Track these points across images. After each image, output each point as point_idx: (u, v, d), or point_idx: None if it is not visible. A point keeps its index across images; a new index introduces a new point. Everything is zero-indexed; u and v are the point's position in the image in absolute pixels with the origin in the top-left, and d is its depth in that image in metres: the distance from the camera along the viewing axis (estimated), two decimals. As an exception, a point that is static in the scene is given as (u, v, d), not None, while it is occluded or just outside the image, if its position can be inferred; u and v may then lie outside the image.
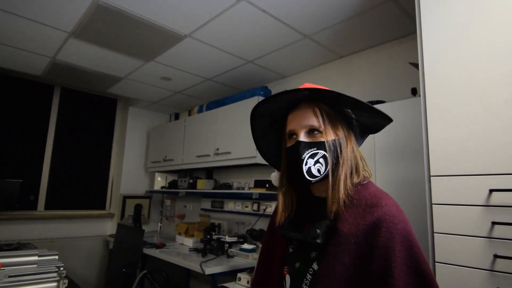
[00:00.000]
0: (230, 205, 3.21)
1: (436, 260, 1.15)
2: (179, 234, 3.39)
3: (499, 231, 1.02)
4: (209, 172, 3.65)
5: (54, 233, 3.57)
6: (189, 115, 3.94)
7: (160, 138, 4.01)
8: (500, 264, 1.01)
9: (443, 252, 1.14)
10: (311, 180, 0.78)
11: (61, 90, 3.89)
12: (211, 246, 2.82)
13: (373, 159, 1.81)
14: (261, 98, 2.73)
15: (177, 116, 4.43)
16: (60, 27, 2.26)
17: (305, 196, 0.89)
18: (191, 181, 3.52)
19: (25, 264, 1.71)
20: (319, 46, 2.42)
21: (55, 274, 1.65)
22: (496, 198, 1.03)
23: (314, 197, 0.88)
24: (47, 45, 2.55)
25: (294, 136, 0.82)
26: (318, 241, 0.74)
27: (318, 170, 0.79)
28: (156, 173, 4.16)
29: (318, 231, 0.75)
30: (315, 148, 0.79)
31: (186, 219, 3.86)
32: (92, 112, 4.11)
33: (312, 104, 0.82)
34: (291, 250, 0.86)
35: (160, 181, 4.18)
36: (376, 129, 0.90)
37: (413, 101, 1.70)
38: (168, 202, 4.22)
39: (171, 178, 4.10)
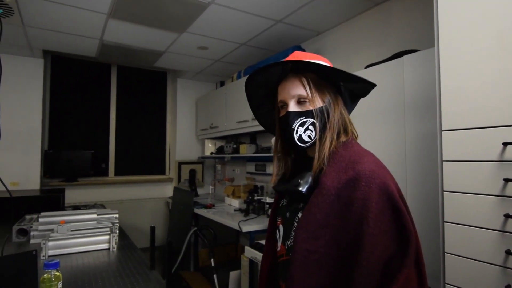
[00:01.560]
0: (271, 168, 3.28)
1: (445, 219, 1.08)
2: (227, 195, 3.62)
3: (511, 188, 0.91)
4: (252, 137, 3.75)
5: (123, 196, 4.10)
6: (232, 82, 4.01)
7: (206, 107, 4.19)
8: (511, 225, 0.91)
9: (452, 212, 1.06)
10: (303, 146, 0.85)
11: (118, 68, 4.25)
12: (253, 207, 2.98)
13: (403, 114, 1.68)
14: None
15: (222, 84, 4.54)
16: (97, 9, 2.44)
17: (301, 157, 0.94)
18: (234, 146, 3.66)
19: (86, 220, 2.03)
20: (349, -5, 2.22)
21: (108, 229, 1.94)
22: (510, 152, 0.91)
23: (308, 157, 0.92)
24: (92, 27, 2.78)
25: (285, 106, 0.87)
26: (300, 188, 0.81)
27: (309, 136, 0.84)
28: (206, 140, 4.40)
29: (300, 180, 0.82)
30: (304, 117, 0.84)
31: (235, 182, 4.08)
32: (146, 86, 4.44)
33: (299, 74, 0.86)
34: (284, 203, 0.94)
35: (210, 147, 4.43)
36: (363, 93, 0.92)
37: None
38: (218, 166, 4.48)
39: (219, 144, 4.31)
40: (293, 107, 0.85)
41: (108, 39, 3.07)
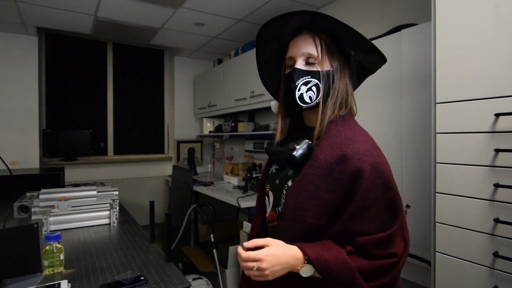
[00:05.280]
0: (269, 146, 3.30)
1: (437, 190, 1.10)
2: (226, 173, 3.66)
3: (502, 159, 0.92)
4: (251, 115, 3.74)
5: (123, 174, 4.14)
6: (230, 59, 3.95)
7: (204, 85, 4.16)
8: (501, 194, 0.93)
9: (444, 182, 1.08)
10: (303, 106, 0.84)
11: (113, 46, 4.18)
12: (252, 184, 3.02)
13: (400, 88, 1.68)
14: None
15: (220, 61, 4.48)
16: (89, -17, 2.38)
17: (297, 125, 0.94)
18: (233, 124, 3.66)
19: (86, 197, 2.06)
20: (348, -34, 2.16)
21: (108, 205, 1.98)
22: (502, 123, 0.92)
23: (305, 126, 0.92)
24: (85, 2, 2.71)
25: (292, 63, 0.86)
26: (294, 153, 0.81)
27: (310, 97, 0.84)
28: (204, 119, 4.40)
29: (296, 145, 0.82)
30: (310, 76, 0.83)
31: (233, 160, 4.11)
32: (143, 64, 4.38)
33: (313, 33, 0.85)
34: (274, 170, 0.95)
35: (209, 126, 4.43)
36: (370, 70, 0.91)
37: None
38: (217, 145, 4.50)
39: (218, 122, 4.31)
40: (300, 64, 0.84)
41: (102, 15, 3.00)
